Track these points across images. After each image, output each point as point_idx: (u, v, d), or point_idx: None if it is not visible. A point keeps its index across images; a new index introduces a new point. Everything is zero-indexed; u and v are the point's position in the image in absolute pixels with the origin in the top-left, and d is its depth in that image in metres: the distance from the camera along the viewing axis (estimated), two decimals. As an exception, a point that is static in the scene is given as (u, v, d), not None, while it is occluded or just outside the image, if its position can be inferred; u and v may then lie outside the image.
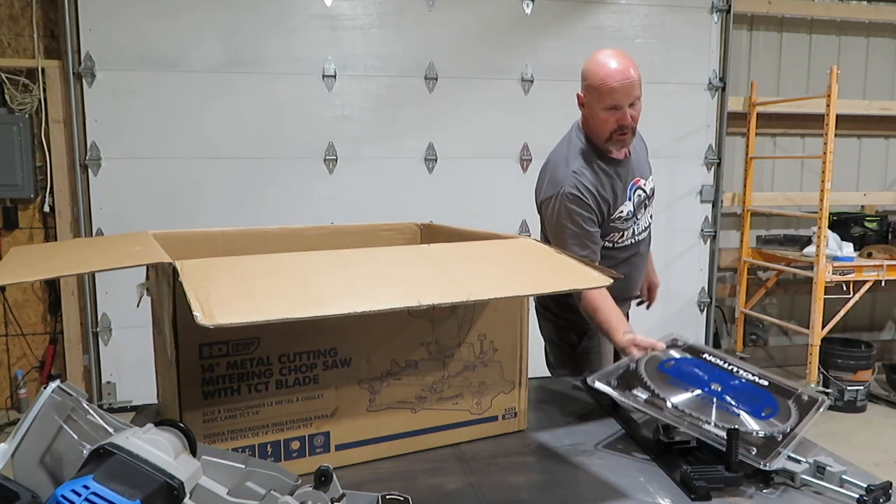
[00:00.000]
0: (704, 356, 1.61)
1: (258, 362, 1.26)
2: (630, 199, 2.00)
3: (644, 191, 2.06)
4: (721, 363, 1.58)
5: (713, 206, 4.44)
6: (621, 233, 2.01)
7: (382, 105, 3.95)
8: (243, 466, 0.91)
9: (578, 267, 1.36)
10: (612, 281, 1.30)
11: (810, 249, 4.08)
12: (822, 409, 1.42)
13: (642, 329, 4.92)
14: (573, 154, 1.96)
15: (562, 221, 1.90)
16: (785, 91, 4.60)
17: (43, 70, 3.63)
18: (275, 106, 3.83)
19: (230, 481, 0.89)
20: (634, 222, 2.03)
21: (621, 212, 1.99)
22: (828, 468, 1.25)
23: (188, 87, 3.71)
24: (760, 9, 4.46)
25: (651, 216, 2.13)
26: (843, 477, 1.24)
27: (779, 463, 1.27)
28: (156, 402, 1.52)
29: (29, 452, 0.84)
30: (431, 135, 4.01)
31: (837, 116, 3.89)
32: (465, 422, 1.46)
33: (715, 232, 4.45)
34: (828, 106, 3.85)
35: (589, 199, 1.90)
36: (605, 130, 1.90)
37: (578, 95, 1.97)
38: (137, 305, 1.50)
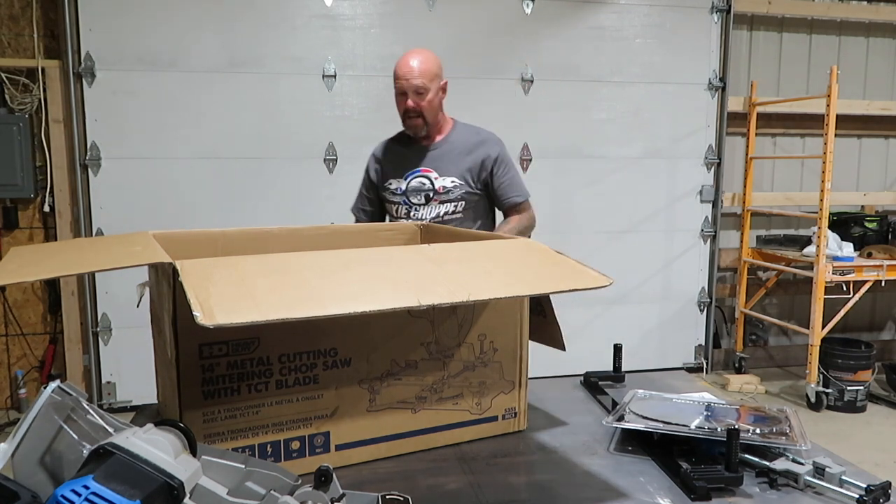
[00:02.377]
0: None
1: (258, 362, 1.26)
2: (405, 179, 2.32)
3: (430, 182, 2.30)
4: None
5: (713, 206, 4.45)
6: (391, 205, 2.36)
7: (382, 105, 3.94)
8: (243, 466, 0.91)
9: (579, 267, 1.36)
10: (612, 282, 1.30)
11: (810, 249, 4.08)
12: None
13: (642, 329, 4.91)
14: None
15: None
16: (785, 91, 4.60)
17: (43, 70, 3.63)
18: (275, 106, 3.83)
19: (230, 481, 0.89)
20: (407, 204, 2.32)
21: (390, 183, 2.35)
22: (827, 469, 1.25)
23: (188, 87, 3.72)
24: (760, 9, 4.46)
25: (442, 215, 2.31)
26: (843, 477, 1.24)
27: (782, 464, 1.27)
28: (156, 402, 1.52)
29: (29, 452, 0.84)
30: (431, 135, 4.01)
31: (837, 116, 3.89)
32: (465, 422, 1.46)
33: (715, 232, 4.45)
34: (828, 106, 3.85)
35: (370, 162, 2.42)
36: (400, 114, 2.32)
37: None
38: (137, 305, 1.50)
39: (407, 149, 2.37)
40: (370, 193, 2.44)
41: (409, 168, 2.34)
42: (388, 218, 2.46)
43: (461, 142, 2.37)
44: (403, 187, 2.32)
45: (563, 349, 1.56)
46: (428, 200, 2.31)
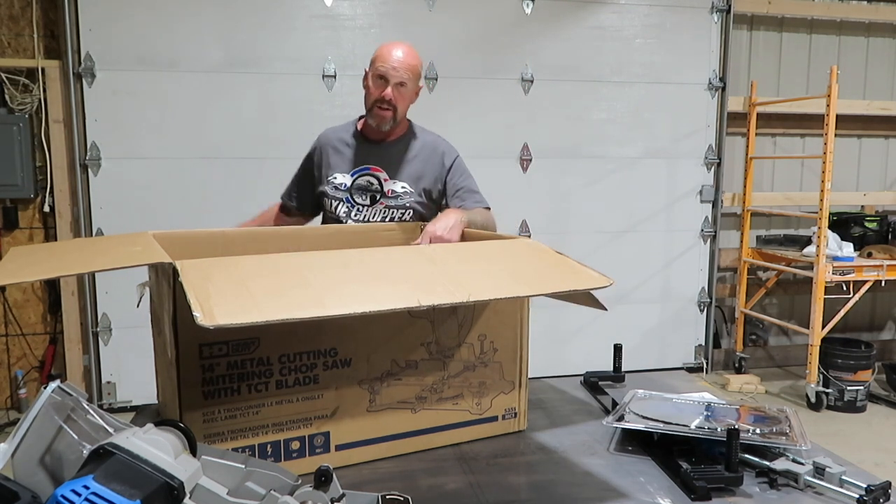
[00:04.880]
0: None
1: (258, 362, 1.26)
2: (352, 175, 2.11)
3: (379, 183, 2.10)
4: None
5: (713, 206, 4.45)
6: (330, 201, 2.12)
7: (382, 105, 3.95)
8: (243, 466, 0.91)
9: (579, 268, 1.36)
10: (612, 282, 1.30)
11: (810, 249, 4.07)
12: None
13: (642, 329, 4.89)
14: (346, 121, 2.24)
15: None
16: (785, 91, 4.60)
17: (43, 70, 3.63)
18: (275, 106, 3.83)
19: (230, 481, 0.89)
20: (349, 202, 2.10)
21: (335, 177, 2.11)
22: (827, 469, 1.25)
23: (188, 87, 3.71)
24: (760, 9, 4.46)
25: (386, 220, 2.10)
26: (843, 477, 1.24)
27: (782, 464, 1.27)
28: (156, 402, 1.52)
29: (29, 452, 0.84)
30: (431, 135, 4.01)
31: (837, 116, 3.89)
32: (465, 422, 1.46)
33: (715, 232, 4.45)
34: (828, 106, 3.85)
35: (312, 146, 2.23)
36: (370, 99, 2.06)
37: (365, 71, 2.12)
38: (137, 305, 1.50)
39: (357, 143, 2.15)
40: (304, 184, 2.22)
41: (356, 163, 2.11)
42: (321, 218, 2.22)
43: (416, 146, 2.16)
44: (348, 183, 2.09)
45: (604, 309, 1.54)
46: (374, 202, 2.10)
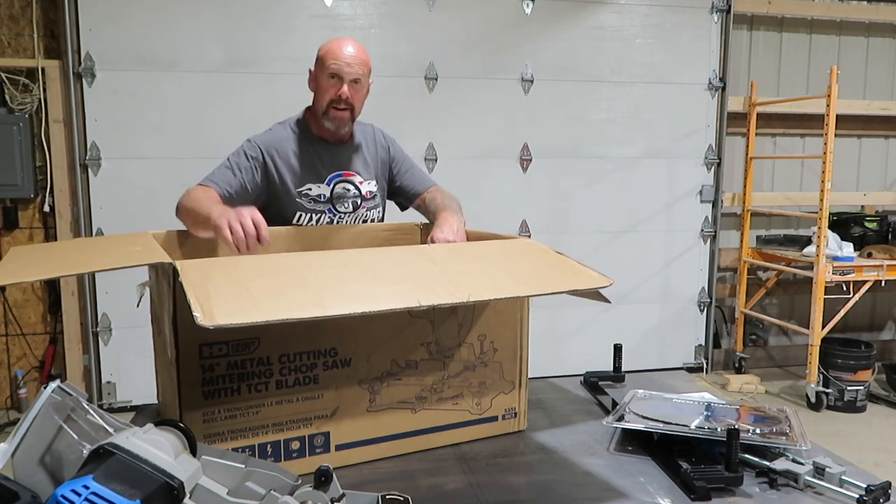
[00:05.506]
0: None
1: (258, 362, 1.26)
2: (328, 185, 1.99)
3: (356, 187, 2.02)
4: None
5: (713, 206, 4.45)
6: (310, 215, 1.97)
7: (382, 105, 3.94)
8: (243, 466, 0.91)
9: (579, 268, 1.36)
10: (612, 282, 1.30)
11: (810, 249, 4.08)
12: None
13: (642, 329, 4.88)
14: (285, 120, 2.09)
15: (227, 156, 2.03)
16: (785, 91, 4.60)
17: (43, 70, 3.63)
18: (275, 106, 3.81)
19: (230, 481, 0.89)
20: (332, 212, 1.99)
21: (309, 189, 1.97)
22: (827, 469, 1.25)
23: (188, 87, 3.71)
24: (760, 9, 4.46)
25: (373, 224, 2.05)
26: (843, 477, 1.24)
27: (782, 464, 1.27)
28: (156, 402, 1.52)
29: (29, 452, 0.84)
30: (431, 135, 4.01)
31: (837, 116, 3.89)
32: (465, 422, 1.46)
33: (715, 232, 4.45)
34: (828, 106, 3.85)
35: (255, 152, 1.98)
36: (324, 100, 1.96)
37: (310, 71, 2.04)
38: (137, 305, 1.50)
39: (317, 147, 2.02)
40: (250, 191, 1.95)
41: (328, 170, 1.99)
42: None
43: (366, 141, 2.10)
44: (327, 194, 1.97)
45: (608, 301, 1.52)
46: (355, 208, 2.01)
